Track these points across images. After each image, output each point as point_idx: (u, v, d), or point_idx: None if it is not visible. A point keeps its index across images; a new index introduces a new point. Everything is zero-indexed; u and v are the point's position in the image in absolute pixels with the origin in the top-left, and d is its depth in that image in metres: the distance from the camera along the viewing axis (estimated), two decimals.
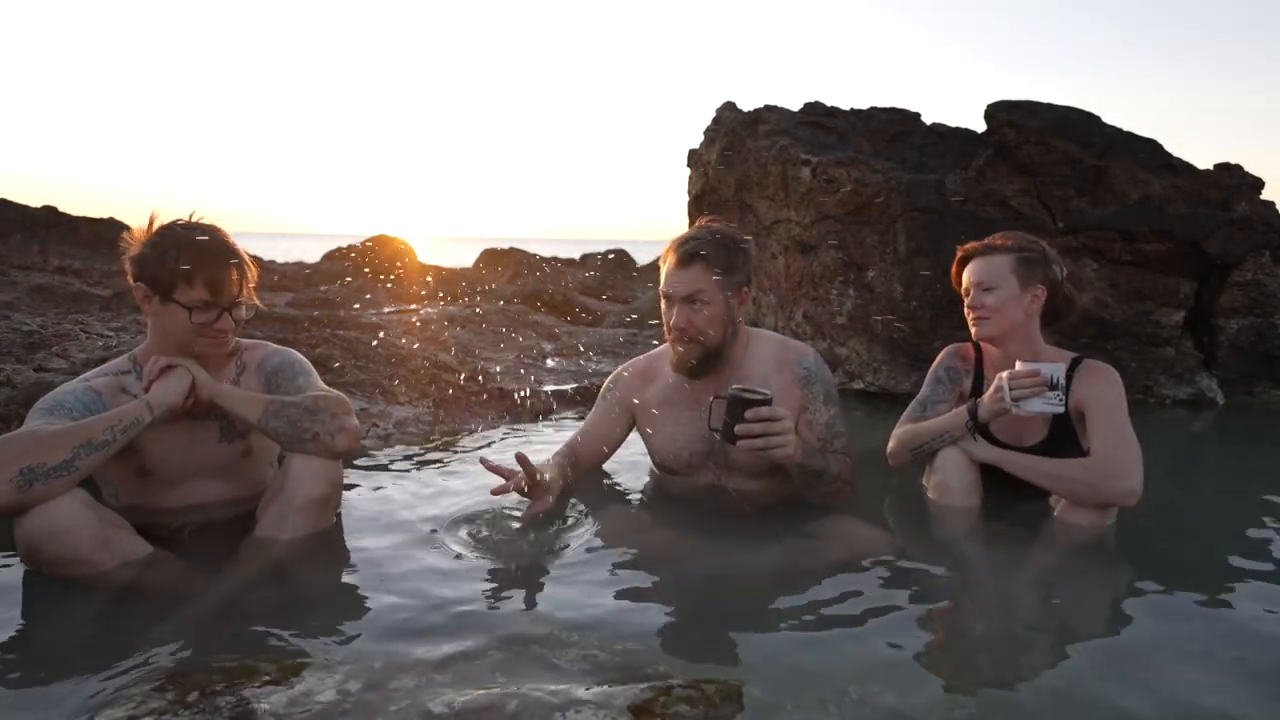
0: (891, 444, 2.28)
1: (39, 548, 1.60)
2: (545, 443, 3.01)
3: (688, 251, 2.02)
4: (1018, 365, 2.02)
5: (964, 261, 2.26)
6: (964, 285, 2.24)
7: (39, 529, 1.59)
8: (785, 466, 1.96)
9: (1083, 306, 2.24)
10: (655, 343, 3.25)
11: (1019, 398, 1.98)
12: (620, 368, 2.35)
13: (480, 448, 2.94)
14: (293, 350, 2.07)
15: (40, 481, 1.57)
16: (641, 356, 2.34)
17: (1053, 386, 1.96)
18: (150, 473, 1.89)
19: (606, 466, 2.61)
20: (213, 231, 1.85)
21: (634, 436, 2.34)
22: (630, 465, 2.60)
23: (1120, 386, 2.10)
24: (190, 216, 1.87)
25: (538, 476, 1.91)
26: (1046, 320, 2.21)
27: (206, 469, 1.96)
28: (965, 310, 2.24)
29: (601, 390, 2.35)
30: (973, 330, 2.22)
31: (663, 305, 2.10)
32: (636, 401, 2.25)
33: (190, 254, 1.78)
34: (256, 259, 10.05)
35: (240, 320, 1.89)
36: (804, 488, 2.05)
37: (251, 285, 1.90)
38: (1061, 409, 1.99)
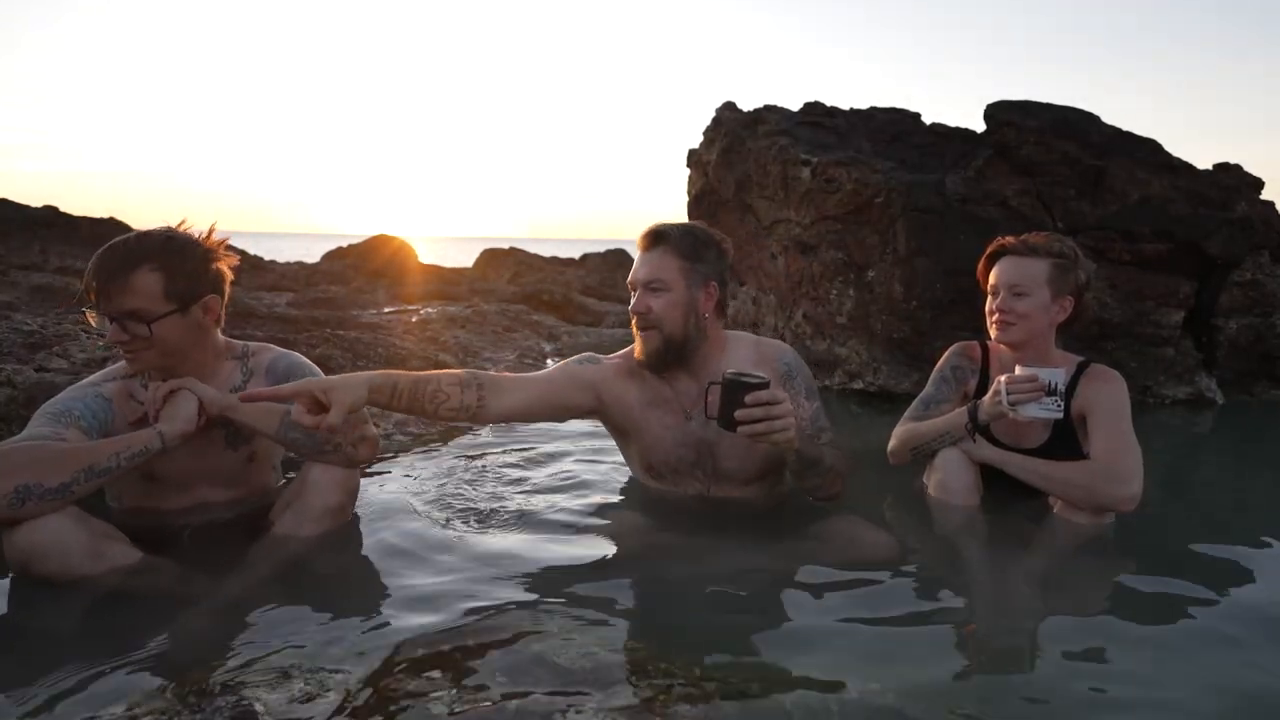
0: (892, 443, 2.27)
1: (29, 563, 1.59)
2: (543, 442, 3.02)
3: (651, 233, 2.03)
4: (1018, 369, 2.00)
5: (994, 256, 2.16)
6: (992, 283, 2.15)
7: (28, 545, 1.57)
8: (784, 454, 1.93)
9: (1091, 314, 2.18)
10: None
11: (1016, 402, 1.96)
12: (601, 357, 2.18)
13: (480, 447, 2.93)
14: (297, 353, 2.03)
15: (33, 501, 1.56)
16: (617, 355, 2.17)
17: (1051, 392, 1.94)
18: (154, 479, 1.88)
19: (604, 471, 2.60)
20: (141, 236, 1.74)
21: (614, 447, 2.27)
22: (628, 470, 2.59)
23: (1125, 392, 2.08)
24: (180, 224, 1.81)
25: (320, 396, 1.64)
26: (1062, 327, 2.15)
27: (211, 475, 1.95)
28: (988, 309, 2.16)
29: (572, 359, 2.16)
30: (994, 333, 2.15)
31: (631, 296, 2.07)
32: (614, 398, 2.10)
33: (95, 255, 1.72)
34: (257, 258, 10.08)
35: (138, 336, 1.70)
36: (799, 480, 2.01)
37: (143, 304, 1.69)
38: (1059, 414, 1.98)
